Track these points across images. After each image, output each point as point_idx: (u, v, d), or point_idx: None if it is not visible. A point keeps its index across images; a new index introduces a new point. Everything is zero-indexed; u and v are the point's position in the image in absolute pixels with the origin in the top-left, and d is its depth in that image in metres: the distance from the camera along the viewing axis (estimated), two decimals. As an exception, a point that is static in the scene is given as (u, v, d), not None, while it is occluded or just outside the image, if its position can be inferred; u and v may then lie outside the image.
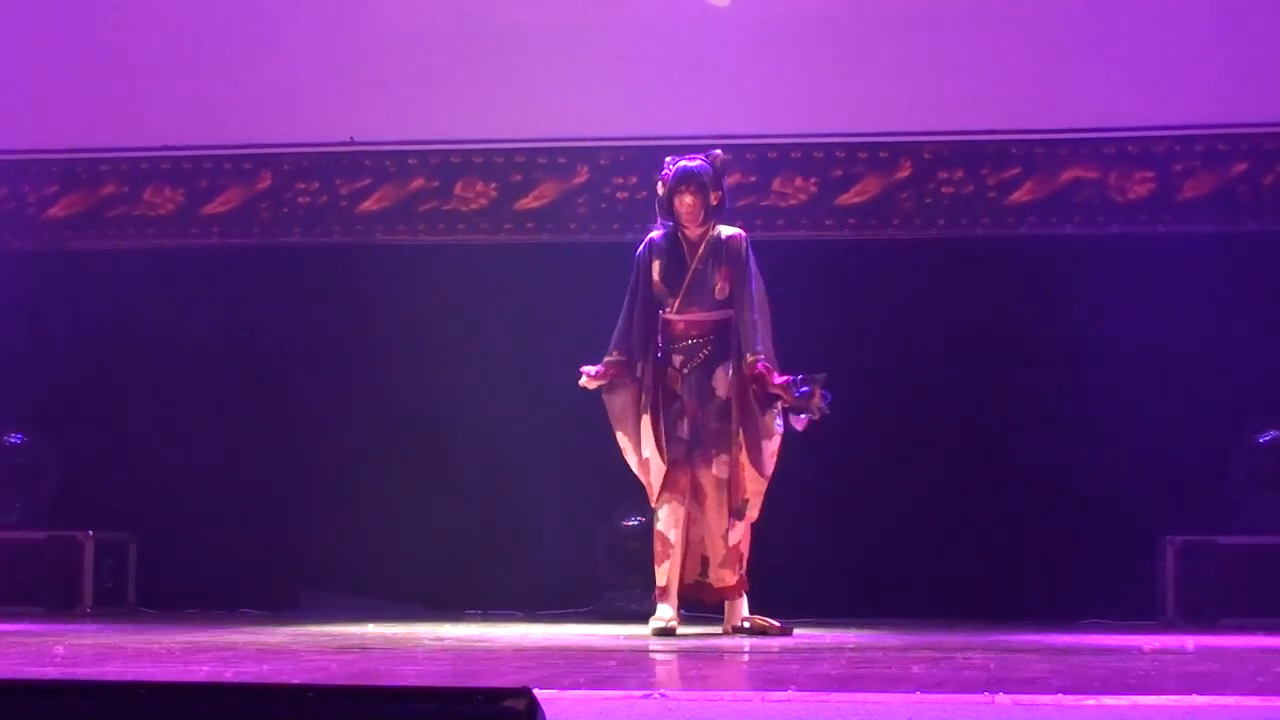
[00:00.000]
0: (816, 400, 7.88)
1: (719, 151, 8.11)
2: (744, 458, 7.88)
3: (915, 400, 9.66)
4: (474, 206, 10.13)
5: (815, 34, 9.81)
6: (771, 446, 7.90)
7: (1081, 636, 7.75)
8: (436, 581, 9.76)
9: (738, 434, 7.88)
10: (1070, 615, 8.96)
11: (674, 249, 8.02)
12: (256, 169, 10.25)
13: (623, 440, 8.02)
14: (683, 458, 7.91)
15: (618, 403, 8.01)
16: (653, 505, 8.01)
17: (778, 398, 7.85)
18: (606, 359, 7.97)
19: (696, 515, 7.93)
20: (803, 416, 7.90)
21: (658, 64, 9.85)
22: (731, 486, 7.86)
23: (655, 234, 8.08)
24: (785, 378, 7.86)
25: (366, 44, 10.08)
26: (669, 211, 8.00)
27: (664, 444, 7.90)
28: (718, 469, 7.88)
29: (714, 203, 8.01)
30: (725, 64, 9.82)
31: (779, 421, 7.88)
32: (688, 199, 7.95)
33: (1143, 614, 9.03)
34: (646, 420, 7.95)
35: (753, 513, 7.91)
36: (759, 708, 4.40)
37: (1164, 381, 9.40)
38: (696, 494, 7.91)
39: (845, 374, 9.50)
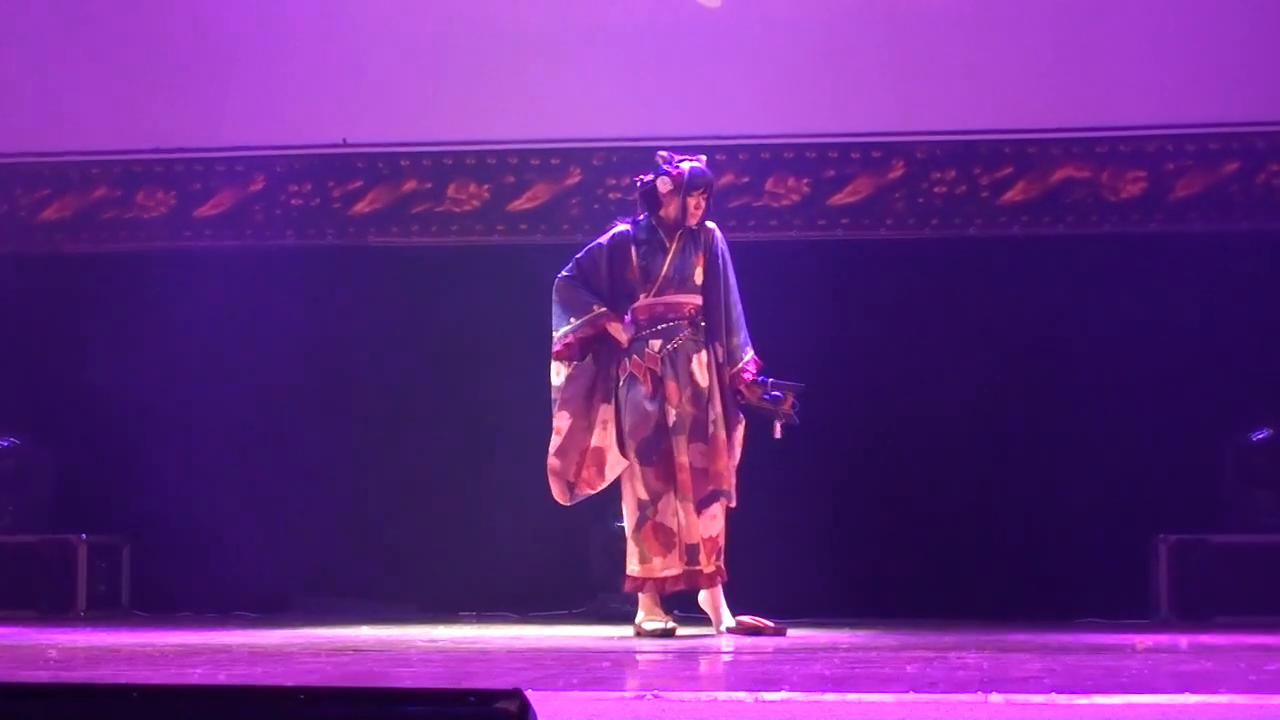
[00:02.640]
0: (787, 407, 7.91)
1: (703, 157, 8.15)
2: (718, 450, 7.89)
3: (908, 399, 9.66)
4: (467, 208, 10.13)
5: (807, 34, 9.81)
6: (739, 435, 7.96)
7: (1075, 635, 7.75)
8: (430, 583, 9.76)
9: (717, 424, 7.90)
10: (1064, 614, 8.96)
11: (652, 237, 8.05)
12: (249, 171, 10.25)
13: (562, 421, 8.00)
14: (663, 446, 7.90)
15: (581, 379, 8.00)
16: (566, 497, 8.02)
17: (741, 393, 7.94)
18: (599, 310, 7.98)
19: (675, 504, 7.91)
20: (777, 423, 7.92)
21: (650, 65, 9.85)
22: (710, 475, 7.86)
23: (624, 228, 8.10)
24: (754, 378, 7.96)
25: (359, 46, 10.07)
26: (680, 209, 8.01)
27: (624, 439, 7.92)
28: (692, 456, 7.88)
29: (710, 208, 8.12)
30: (717, 65, 9.82)
31: (779, 422, 7.94)
32: (701, 201, 8.02)
33: (1136, 612, 9.04)
34: (606, 410, 7.96)
35: (714, 509, 7.90)
36: (753, 708, 4.40)
37: (1156, 380, 9.40)
38: (673, 480, 7.89)
39: (838, 374, 9.54)
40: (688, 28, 9.87)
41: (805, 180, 9.91)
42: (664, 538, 7.89)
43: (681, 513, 7.88)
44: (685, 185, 8.01)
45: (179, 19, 10.20)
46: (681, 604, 8.25)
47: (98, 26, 10.23)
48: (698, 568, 7.90)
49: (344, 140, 10.13)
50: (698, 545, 7.87)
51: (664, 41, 9.88)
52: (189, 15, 10.20)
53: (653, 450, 7.90)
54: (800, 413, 7.94)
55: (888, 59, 9.78)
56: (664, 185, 8.04)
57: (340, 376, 10.03)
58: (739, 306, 8.05)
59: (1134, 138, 9.69)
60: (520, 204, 10.09)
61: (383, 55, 10.04)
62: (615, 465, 7.98)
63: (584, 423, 7.98)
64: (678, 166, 8.05)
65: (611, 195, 9.73)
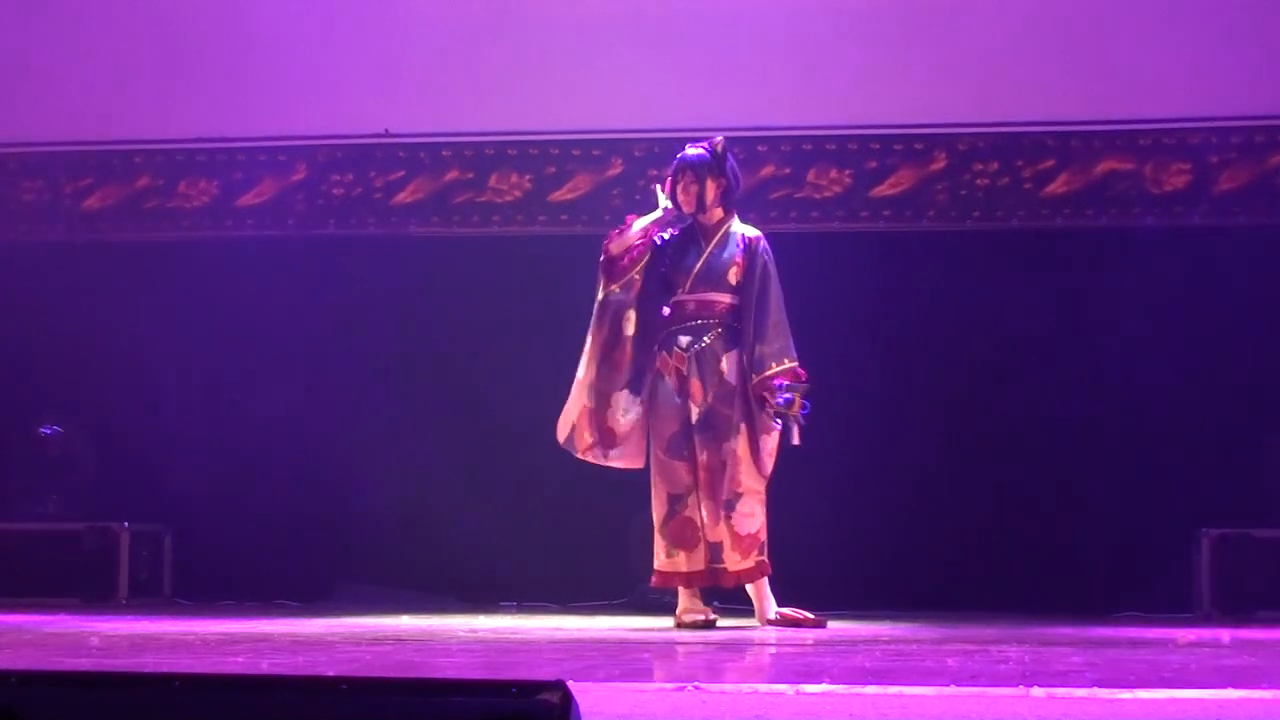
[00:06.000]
0: (795, 409, 7.81)
1: (720, 138, 8.09)
2: (742, 451, 7.86)
3: (950, 392, 9.64)
4: (508, 199, 10.14)
5: (850, 25, 9.79)
6: (770, 444, 7.89)
7: (1116, 629, 7.73)
8: (471, 573, 9.77)
9: (744, 423, 7.87)
10: (1105, 608, 8.94)
11: (689, 233, 8.03)
12: (291, 161, 10.27)
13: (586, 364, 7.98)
14: (689, 442, 7.89)
15: (609, 327, 7.96)
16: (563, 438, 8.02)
17: (764, 399, 7.87)
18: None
19: (700, 500, 7.90)
20: (794, 428, 7.82)
21: (692, 55, 9.84)
22: (735, 474, 7.85)
23: (672, 229, 8.08)
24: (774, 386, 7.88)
25: (401, 36, 10.09)
26: (672, 196, 8.02)
27: (651, 437, 7.93)
28: (724, 454, 7.86)
29: (718, 189, 8.01)
30: (760, 55, 9.81)
31: (777, 421, 7.83)
32: (684, 186, 7.97)
33: (1178, 607, 9.01)
34: (630, 399, 7.94)
35: (745, 507, 7.86)
36: (793, 700, 4.39)
37: (1200, 373, 9.37)
38: (698, 478, 7.88)
39: (880, 366, 9.53)
40: (730, 18, 9.86)
41: (847, 172, 9.89)
42: (690, 533, 7.88)
43: (705, 510, 7.87)
44: (673, 172, 8.01)
45: (222, 7, 10.22)
46: (722, 595, 8.25)
47: (141, 15, 10.25)
48: (721, 565, 7.87)
49: (386, 130, 10.15)
50: (721, 543, 7.85)
51: (706, 32, 9.87)
52: (232, 4, 10.22)
53: (681, 446, 7.90)
54: (807, 414, 7.81)
55: (930, 50, 9.76)
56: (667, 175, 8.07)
57: (381, 366, 10.04)
58: (775, 316, 7.90)
59: (1178, 129, 9.66)
60: (562, 195, 10.09)
61: (425, 45, 10.05)
62: (626, 458, 8.00)
63: (599, 382, 7.97)
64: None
65: (653, 186, 9.73)
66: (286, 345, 9.98)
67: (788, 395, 7.79)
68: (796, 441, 7.79)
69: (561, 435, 8.07)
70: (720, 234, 8.02)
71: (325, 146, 10.24)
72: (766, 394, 7.81)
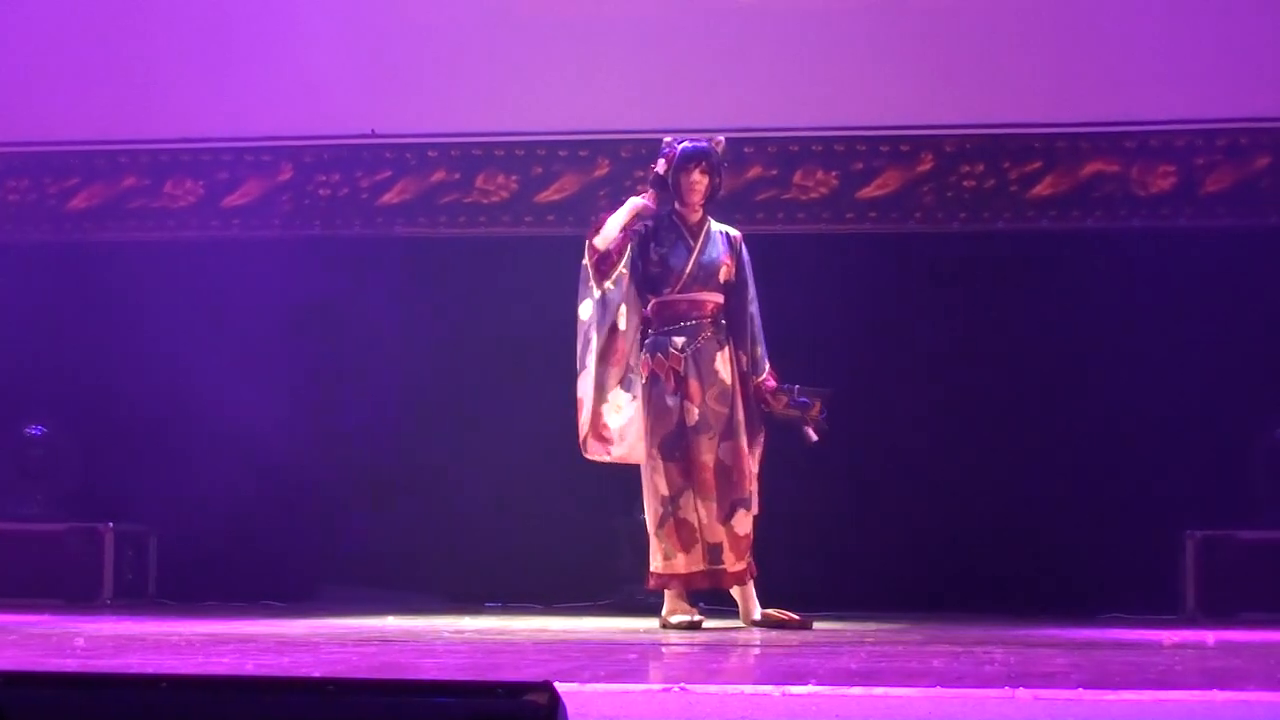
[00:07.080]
0: (815, 413, 7.86)
1: (721, 139, 8.10)
2: (744, 448, 7.87)
3: (934, 394, 9.64)
4: (495, 199, 10.13)
5: (836, 27, 9.80)
6: (759, 446, 7.96)
7: (1101, 631, 7.74)
8: (456, 574, 9.77)
9: (742, 423, 7.88)
10: (1090, 610, 8.94)
11: (673, 231, 8.02)
12: (277, 161, 10.26)
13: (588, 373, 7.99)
14: (684, 443, 7.88)
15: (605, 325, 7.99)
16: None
17: (766, 402, 7.91)
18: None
19: (696, 501, 7.90)
20: (808, 429, 7.88)
21: (678, 56, 9.84)
22: (736, 475, 7.85)
23: (646, 221, 8.07)
24: (778, 385, 7.92)
25: (387, 36, 10.08)
26: (675, 190, 7.99)
27: (647, 437, 7.91)
28: (723, 454, 7.86)
29: (716, 186, 8.02)
30: (746, 56, 9.80)
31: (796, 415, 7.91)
32: (696, 176, 7.96)
33: (1163, 608, 9.01)
34: (624, 395, 7.96)
35: (755, 504, 7.90)
36: (779, 701, 4.40)
37: (1185, 375, 9.37)
38: (695, 479, 7.87)
39: (864, 368, 9.53)
40: (717, 20, 9.86)
41: (833, 173, 9.89)
42: (686, 534, 7.87)
43: (702, 511, 7.86)
44: (677, 161, 7.98)
45: (208, 7, 10.21)
46: (707, 597, 8.25)
47: (126, 15, 10.24)
48: (721, 566, 7.88)
49: (372, 131, 10.13)
50: (720, 544, 7.85)
51: (693, 33, 9.87)
52: (217, 4, 10.21)
53: (674, 447, 7.89)
54: (828, 418, 7.91)
55: (917, 51, 9.76)
56: (660, 167, 8.03)
57: (366, 367, 10.03)
58: (759, 317, 8.03)
59: (1163, 132, 9.67)
60: (548, 195, 10.08)
61: (411, 45, 10.04)
62: (627, 454, 7.99)
63: (600, 380, 7.97)
64: (673, 147, 8.03)
65: (639, 187, 9.72)
66: (271, 346, 9.96)
67: (804, 399, 7.84)
68: (814, 439, 7.85)
69: (582, 447, 8.06)
70: (704, 232, 8.02)
71: (311, 147, 10.23)
72: (769, 396, 7.87)
